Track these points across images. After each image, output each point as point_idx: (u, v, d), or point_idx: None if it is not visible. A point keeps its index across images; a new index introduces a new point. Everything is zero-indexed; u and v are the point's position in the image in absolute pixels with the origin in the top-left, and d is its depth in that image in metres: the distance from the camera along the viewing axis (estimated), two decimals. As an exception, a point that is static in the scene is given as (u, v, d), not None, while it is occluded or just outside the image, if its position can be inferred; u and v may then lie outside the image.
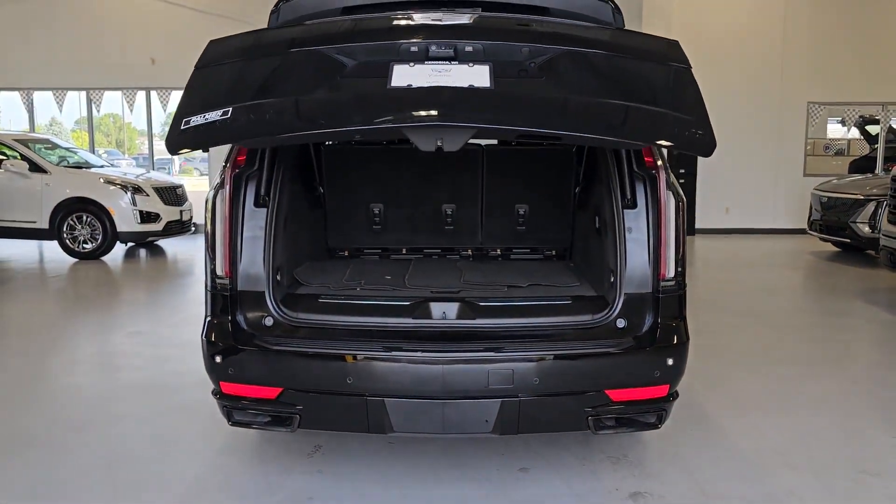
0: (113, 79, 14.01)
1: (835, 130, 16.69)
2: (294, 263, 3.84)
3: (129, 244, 11.63)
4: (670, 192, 3.19)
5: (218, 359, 3.12)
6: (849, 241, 10.47)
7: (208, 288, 3.25)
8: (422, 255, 4.71)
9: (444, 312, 3.20)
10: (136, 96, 14.19)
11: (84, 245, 10.68)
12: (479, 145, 4.52)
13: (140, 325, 6.80)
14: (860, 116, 14.72)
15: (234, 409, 3.18)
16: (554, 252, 4.70)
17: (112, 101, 14.47)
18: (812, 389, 4.92)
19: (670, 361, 3.11)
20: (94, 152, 14.34)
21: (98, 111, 14.72)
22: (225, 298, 3.20)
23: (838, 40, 14.08)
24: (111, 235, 10.65)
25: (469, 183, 4.53)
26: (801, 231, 12.51)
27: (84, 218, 10.62)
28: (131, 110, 14.43)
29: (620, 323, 3.17)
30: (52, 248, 11.06)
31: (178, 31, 13.63)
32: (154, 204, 10.89)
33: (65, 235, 10.65)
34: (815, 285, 9.56)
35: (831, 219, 10.68)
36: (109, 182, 10.75)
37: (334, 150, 4.48)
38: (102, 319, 7.16)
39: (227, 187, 3.20)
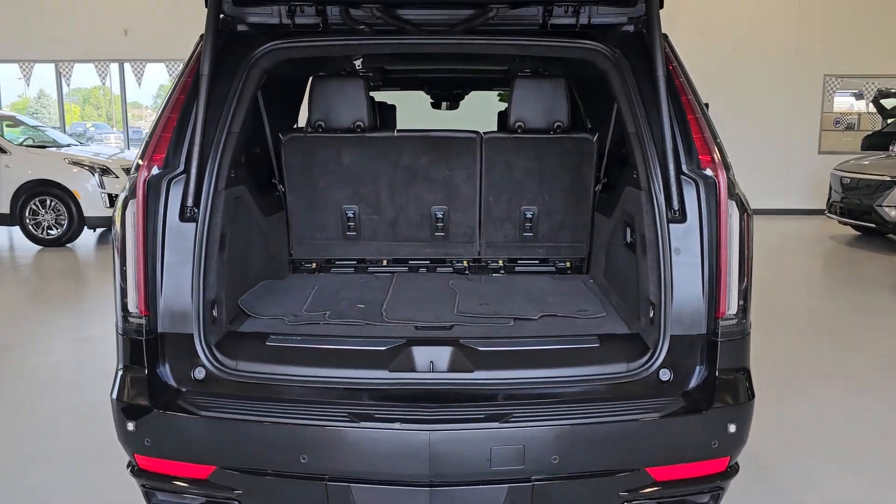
0: (84, 51, 13.10)
1: (842, 103, 15.82)
2: (240, 288, 3.09)
3: (99, 230, 10.82)
4: (733, 202, 2.42)
5: (131, 425, 2.36)
6: (873, 225, 9.73)
7: (119, 330, 2.48)
8: (407, 268, 3.94)
9: (433, 362, 2.44)
10: (108, 69, 13.29)
11: (49, 231, 9.87)
12: (475, 133, 3.72)
13: (94, 327, 6.03)
14: (878, 90, 13.90)
15: (153, 489, 2.42)
16: (568, 264, 3.92)
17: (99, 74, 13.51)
18: (869, 416, 4.19)
19: (732, 428, 2.35)
20: (64, 129, 13.47)
21: (69, 84, 13.81)
22: (140, 344, 2.43)
23: (856, 9, 13.21)
24: (77, 221, 9.83)
25: (464, 179, 3.74)
26: (816, 212, 11.78)
27: (48, 202, 9.79)
28: (103, 82, 13.55)
29: (664, 375, 2.41)
30: (18, 234, 10.26)
31: (151, 1, 12.71)
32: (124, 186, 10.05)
33: (27, 221, 9.83)
34: (842, 277, 8.79)
35: (853, 201, 9.95)
36: (75, 163, 9.90)
37: (297, 139, 3.69)
38: (52, 320, 6.39)
39: (140, 197, 2.41)
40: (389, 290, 3.34)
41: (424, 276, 3.80)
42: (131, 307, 2.42)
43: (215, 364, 2.44)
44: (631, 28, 2.83)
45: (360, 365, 2.45)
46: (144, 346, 2.42)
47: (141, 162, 2.48)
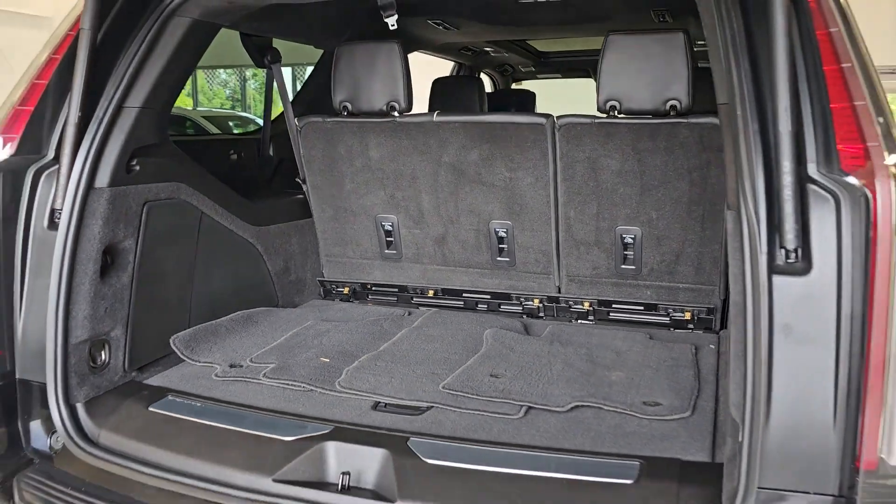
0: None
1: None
2: (175, 322, 2.48)
3: None
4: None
5: None
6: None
7: None
8: (462, 304, 3.08)
9: (347, 475, 1.73)
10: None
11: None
12: (545, 117, 2.72)
13: None
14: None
15: None
16: (687, 316, 2.78)
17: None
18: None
19: None
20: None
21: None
22: None
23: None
24: None
25: (531, 184, 2.75)
26: None
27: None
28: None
29: None
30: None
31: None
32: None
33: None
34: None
35: None
36: None
37: (315, 126, 2.92)
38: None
39: None
40: (393, 339, 2.55)
41: (458, 319, 2.84)
42: None
43: (70, 433, 1.92)
44: None
45: (241, 464, 1.78)
46: None
47: None
